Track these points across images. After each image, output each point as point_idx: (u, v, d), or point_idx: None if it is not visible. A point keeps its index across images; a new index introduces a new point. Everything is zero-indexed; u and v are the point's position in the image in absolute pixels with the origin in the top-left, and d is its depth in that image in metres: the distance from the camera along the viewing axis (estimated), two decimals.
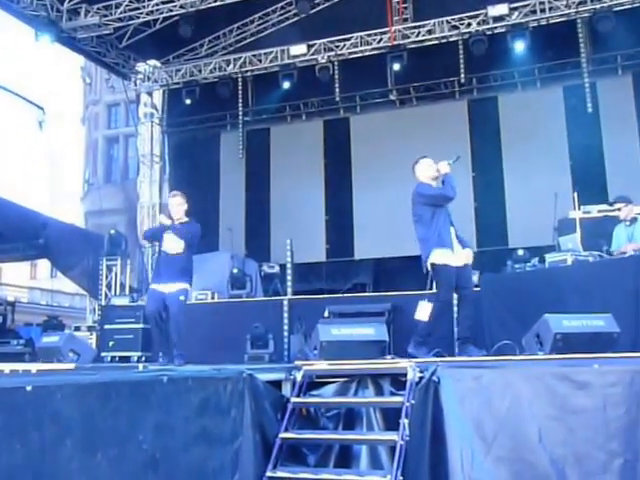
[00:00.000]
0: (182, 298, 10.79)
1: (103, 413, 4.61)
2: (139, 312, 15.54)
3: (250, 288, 16.41)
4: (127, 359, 15.21)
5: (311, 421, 7.29)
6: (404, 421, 6.42)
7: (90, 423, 4.46)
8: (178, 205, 11.05)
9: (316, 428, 7.24)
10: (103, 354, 15.56)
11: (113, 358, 15.40)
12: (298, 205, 19.86)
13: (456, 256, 9.03)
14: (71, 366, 6.78)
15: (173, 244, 10.84)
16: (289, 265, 15.46)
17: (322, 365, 7.67)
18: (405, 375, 6.84)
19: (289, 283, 15.37)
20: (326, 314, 14.01)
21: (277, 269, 17.75)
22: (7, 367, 5.24)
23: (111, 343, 15.54)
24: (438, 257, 8.98)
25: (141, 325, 15.35)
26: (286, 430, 6.87)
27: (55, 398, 4.19)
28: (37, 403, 4.05)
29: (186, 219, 11.05)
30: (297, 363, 7.84)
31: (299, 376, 7.32)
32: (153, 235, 11.55)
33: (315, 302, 14.84)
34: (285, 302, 14.90)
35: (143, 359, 15.13)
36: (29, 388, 3.98)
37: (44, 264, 50.67)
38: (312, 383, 7.44)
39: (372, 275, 19.73)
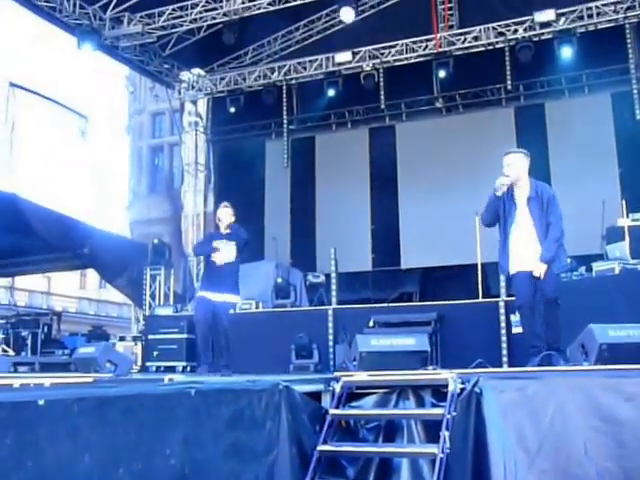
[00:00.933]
0: (231, 311, 11.03)
1: (126, 427, 4.48)
2: (183, 322, 15.54)
3: (294, 298, 16.28)
4: (172, 369, 15.16)
5: (350, 433, 7.14)
6: (444, 434, 6.26)
7: (111, 437, 4.34)
8: (229, 215, 11.07)
9: (355, 440, 7.10)
10: (148, 364, 15.58)
11: (158, 368, 15.39)
12: (343, 214, 19.72)
13: (523, 264, 8.71)
14: (89, 379, 6.68)
15: (223, 254, 10.83)
16: (333, 274, 15.31)
17: (361, 376, 7.52)
18: (445, 386, 6.69)
19: (333, 292, 15.21)
20: (371, 324, 13.84)
21: (322, 278, 17.57)
22: (17, 381, 5.14)
23: (155, 353, 15.53)
24: (510, 268, 8.83)
25: (185, 335, 15.34)
26: (324, 442, 6.71)
27: (71, 412, 4.08)
28: (51, 418, 3.93)
29: (232, 223, 11.09)
30: (336, 374, 7.72)
31: (338, 387, 7.16)
32: (203, 250, 11.50)
33: (360, 311, 14.68)
34: (330, 312, 14.74)
35: (188, 369, 15.10)
36: (41, 402, 3.86)
37: (93, 274, 51.10)
38: (352, 394, 7.29)
39: (419, 284, 19.56)
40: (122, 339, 18.82)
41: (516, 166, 8.79)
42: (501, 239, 8.96)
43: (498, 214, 8.91)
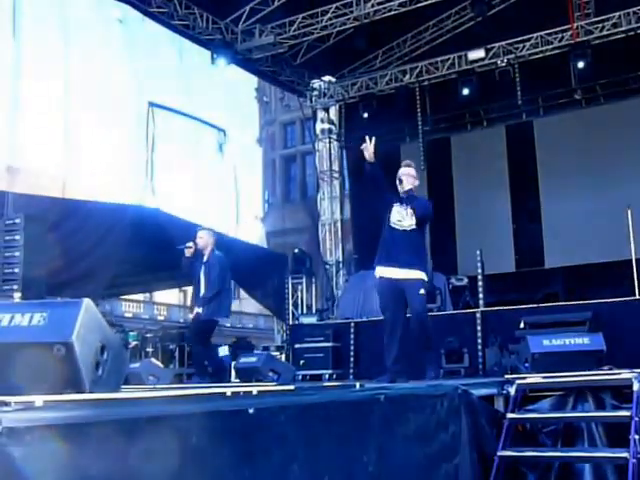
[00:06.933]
0: (422, 292, 9.10)
1: (327, 434, 4.37)
2: (328, 330, 15.59)
3: (440, 302, 16.01)
4: (319, 377, 15.13)
5: (528, 438, 6.87)
6: (635, 437, 5.89)
7: (315, 445, 4.22)
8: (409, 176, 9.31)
9: (534, 445, 6.84)
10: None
11: (305, 377, 15.35)
12: (483, 215, 19.30)
13: None
14: (291, 387, 6.58)
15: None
16: (480, 276, 14.96)
17: (536, 378, 7.22)
18: (628, 387, 6.33)
19: (481, 295, 14.86)
20: (522, 325, 13.43)
21: (466, 281, 17.22)
22: (229, 390, 5.05)
23: (302, 362, 15.49)
24: None
25: (331, 343, 15.36)
26: (504, 448, 6.43)
27: (278, 421, 3.97)
28: (260, 426, 3.83)
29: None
30: (508, 377, 7.43)
31: (512, 391, 6.89)
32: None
33: (507, 313, 14.27)
34: (478, 314, 14.36)
35: (334, 377, 15.04)
36: (251, 411, 3.76)
37: None
38: (525, 398, 7.00)
39: (564, 284, 18.96)
40: (266, 349, 18.87)
41: (204, 239, 11.83)
42: None
43: None
